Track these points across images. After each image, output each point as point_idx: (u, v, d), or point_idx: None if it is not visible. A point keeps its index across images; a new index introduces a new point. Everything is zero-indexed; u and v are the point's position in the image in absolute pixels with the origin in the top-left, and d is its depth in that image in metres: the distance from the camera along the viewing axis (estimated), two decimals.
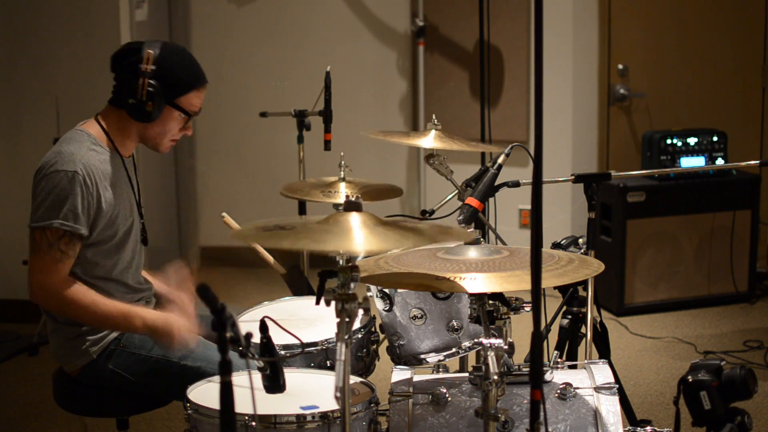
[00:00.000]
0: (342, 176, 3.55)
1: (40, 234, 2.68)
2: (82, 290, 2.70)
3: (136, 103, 2.75)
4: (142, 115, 2.77)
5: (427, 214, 3.34)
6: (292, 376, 2.51)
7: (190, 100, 2.83)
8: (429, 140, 3.27)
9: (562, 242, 3.14)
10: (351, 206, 2.18)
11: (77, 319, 2.77)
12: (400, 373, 2.61)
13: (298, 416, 2.31)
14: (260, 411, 2.19)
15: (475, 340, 2.76)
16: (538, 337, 1.93)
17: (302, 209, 4.11)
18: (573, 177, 3.10)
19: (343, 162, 3.54)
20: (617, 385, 2.50)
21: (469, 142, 3.39)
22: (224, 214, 3.50)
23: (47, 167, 2.71)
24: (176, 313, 2.75)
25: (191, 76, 2.84)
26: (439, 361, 2.82)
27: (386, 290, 2.83)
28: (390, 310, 2.84)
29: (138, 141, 2.89)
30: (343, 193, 3.46)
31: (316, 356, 2.80)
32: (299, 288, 3.60)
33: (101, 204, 2.74)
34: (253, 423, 2.25)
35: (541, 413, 1.98)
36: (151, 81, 2.73)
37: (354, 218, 2.15)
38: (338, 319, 2.07)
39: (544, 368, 2.47)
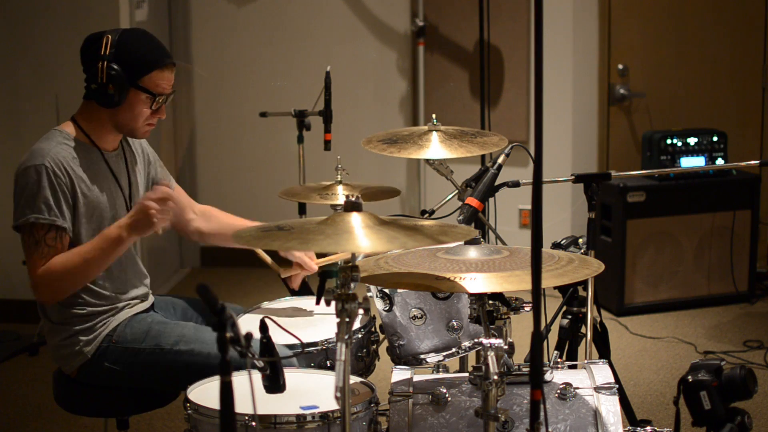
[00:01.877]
0: (339, 179, 3.55)
1: (26, 234, 2.71)
2: (63, 259, 2.69)
3: (98, 88, 2.75)
4: (106, 100, 2.76)
5: (427, 214, 3.34)
6: (292, 376, 2.51)
7: (154, 80, 2.80)
8: (432, 150, 3.23)
9: (562, 242, 3.14)
10: (351, 206, 2.18)
11: (83, 283, 2.76)
12: (400, 373, 2.61)
13: (298, 416, 2.31)
14: (260, 411, 2.19)
15: (475, 340, 2.76)
16: (538, 337, 1.93)
17: (302, 209, 4.11)
18: (573, 177, 3.10)
19: (339, 165, 3.54)
20: (617, 385, 2.50)
21: (468, 145, 3.38)
22: None
23: (20, 167, 2.75)
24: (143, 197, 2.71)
25: (152, 56, 2.81)
26: (439, 361, 2.82)
27: (386, 290, 2.83)
28: (390, 310, 2.84)
29: (115, 131, 2.87)
30: (341, 196, 3.46)
31: (316, 356, 2.80)
32: (297, 289, 3.59)
33: (76, 195, 2.75)
34: (253, 423, 2.25)
35: (541, 413, 1.98)
36: (112, 65, 2.73)
37: (354, 218, 2.15)
38: (338, 319, 2.07)
39: (544, 368, 2.47)
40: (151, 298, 3.04)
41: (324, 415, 2.31)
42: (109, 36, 2.76)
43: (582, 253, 3.01)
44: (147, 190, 3.05)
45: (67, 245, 2.73)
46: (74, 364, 2.84)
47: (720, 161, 5.31)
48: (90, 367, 2.84)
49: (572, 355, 3.22)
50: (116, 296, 2.89)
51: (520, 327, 2.84)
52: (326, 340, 2.81)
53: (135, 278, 2.96)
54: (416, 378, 2.58)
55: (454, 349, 2.80)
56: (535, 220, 1.91)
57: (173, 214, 2.82)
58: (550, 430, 2.36)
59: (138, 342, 2.84)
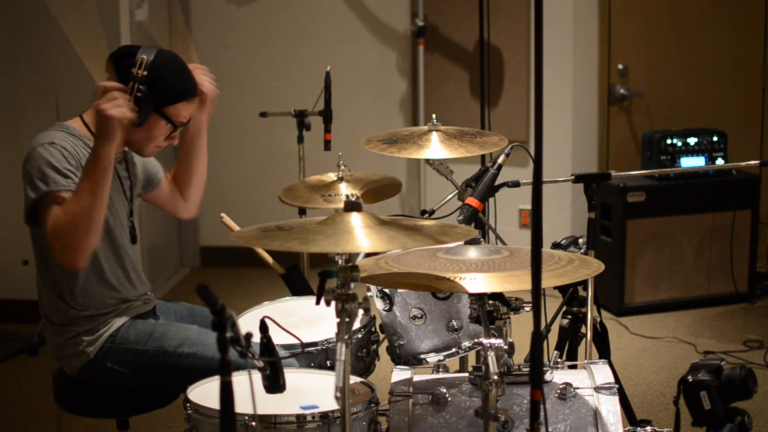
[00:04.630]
0: (340, 176, 3.55)
1: (41, 207, 2.64)
2: (61, 207, 2.62)
3: None
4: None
5: (427, 214, 3.34)
6: (292, 376, 2.51)
7: (179, 110, 2.80)
8: (431, 151, 3.24)
9: (562, 242, 3.14)
10: (351, 206, 2.18)
11: (94, 224, 2.62)
12: (400, 373, 2.61)
13: (298, 416, 2.31)
14: (260, 411, 2.19)
15: (475, 340, 2.76)
16: (538, 337, 1.93)
17: (302, 209, 4.11)
18: (573, 177, 3.10)
19: (341, 162, 3.54)
20: (617, 385, 2.50)
21: (468, 145, 3.38)
22: (223, 214, 3.51)
23: (27, 154, 2.71)
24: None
25: (182, 87, 2.80)
26: (439, 361, 2.82)
27: (386, 290, 2.83)
28: (390, 310, 2.84)
29: (123, 143, 2.85)
30: (343, 192, 3.47)
31: (316, 356, 2.80)
32: (298, 288, 3.60)
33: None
34: (253, 423, 2.25)
35: (541, 413, 1.98)
36: (141, 86, 2.70)
37: (354, 218, 2.15)
38: (338, 319, 2.07)
39: (544, 368, 2.47)
40: (153, 301, 3.04)
41: (324, 415, 2.31)
42: (144, 56, 2.71)
43: (582, 253, 3.01)
44: (145, 184, 3.05)
45: None
46: (76, 364, 2.84)
47: (720, 161, 5.31)
48: (92, 368, 2.84)
49: (572, 355, 3.22)
50: (119, 298, 2.88)
51: (520, 327, 2.84)
52: (326, 340, 2.81)
53: (137, 281, 2.96)
54: (416, 378, 2.58)
55: (454, 349, 2.80)
56: (535, 220, 1.91)
57: (163, 198, 2.92)
58: (550, 430, 2.36)
59: (141, 343, 2.83)
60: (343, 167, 3.58)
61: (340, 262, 2.11)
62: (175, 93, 2.77)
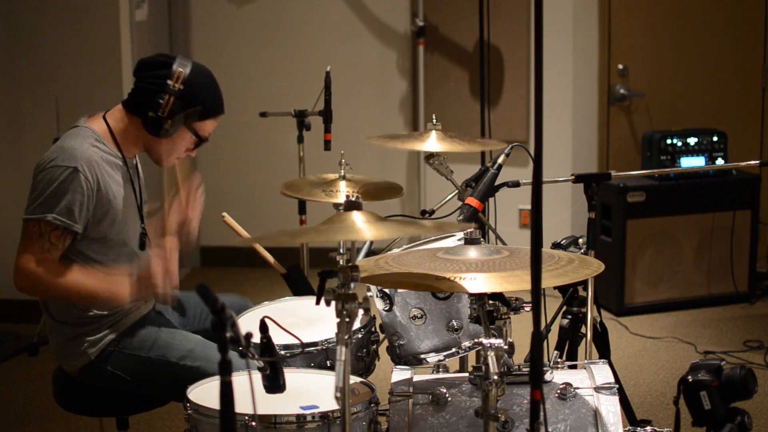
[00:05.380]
0: (342, 174, 3.55)
1: (33, 225, 2.68)
2: (64, 272, 2.68)
3: (155, 118, 2.75)
4: (158, 131, 2.77)
5: (427, 214, 3.34)
6: (292, 376, 2.51)
7: (206, 126, 2.85)
8: (430, 143, 3.27)
9: (562, 242, 3.14)
10: (351, 206, 2.18)
11: (66, 301, 2.77)
12: (400, 373, 2.61)
13: (298, 416, 2.31)
14: (260, 411, 2.19)
15: (475, 340, 2.76)
16: (538, 337, 1.93)
17: (302, 209, 4.11)
18: (573, 177, 3.10)
19: (343, 160, 3.54)
20: (617, 385, 2.50)
21: (469, 142, 3.39)
22: (224, 214, 3.50)
23: (47, 162, 2.70)
24: (154, 259, 2.71)
25: (214, 104, 2.85)
26: (439, 361, 2.82)
27: (386, 290, 2.83)
28: (390, 310, 2.84)
29: (142, 150, 2.88)
30: (343, 191, 3.46)
31: (316, 356, 2.80)
32: (299, 288, 3.60)
33: (108, 198, 2.73)
34: (253, 423, 2.25)
35: (541, 413, 1.98)
36: (177, 101, 2.74)
37: (356, 216, 2.15)
38: (338, 319, 2.07)
39: (544, 368, 2.47)
40: (153, 301, 3.03)
41: (324, 415, 2.31)
42: (181, 70, 2.75)
43: (582, 253, 3.01)
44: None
45: (66, 246, 2.72)
46: (76, 364, 2.84)
47: (720, 161, 5.31)
48: (92, 369, 2.84)
49: (572, 355, 3.22)
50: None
51: (520, 327, 2.83)
52: (326, 340, 2.81)
53: None
54: (416, 378, 2.58)
55: (454, 349, 2.80)
56: (535, 220, 1.91)
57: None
58: (550, 430, 2.36)
59: (144, 350, 2.83)
60: (345, 165, 3.57)
61: (340, 262, 2.11)
62: (207, 110, 2.82)
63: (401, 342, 2.84)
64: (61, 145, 2.74)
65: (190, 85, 2.75)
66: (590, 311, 3.10)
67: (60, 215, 2.66)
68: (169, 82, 2.73)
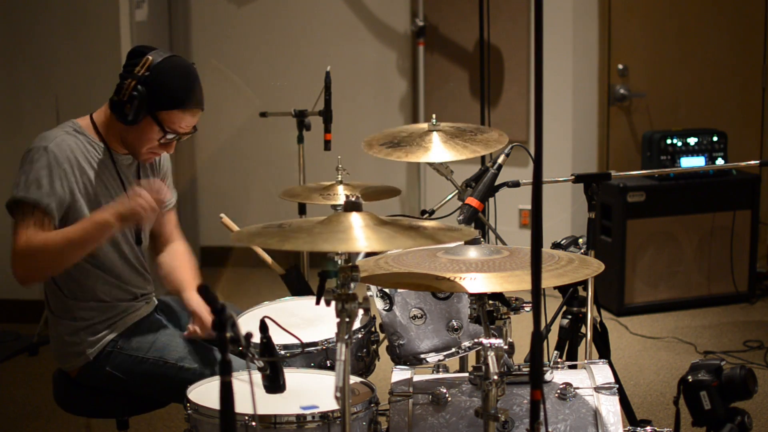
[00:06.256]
0: (339, 179, 3.55)
1: (16, 212, 2.68)
2: (43, 236, 2.64)
3: (118, 102, 2.74)
4: (120, 115, 2.74)
5: (427, 214, 3.34)
6: (292, 376, 2.51)
7: (172, 117, 2.76)
8: (433, 155, 3.24)
9: (562, 242, 3.14)
10: (351, 206, 2.18)
11: (61, 265, 2.71)
12: (400, 373, 2.61)
13: (298, 416, 2.31)
14: (260, 411, 2.19)
15: (475, 340, 2.76)
16: (538, 337, 1.93)
17: (302, 209, 4.11)
18: (573, 177, 3.10)
19: (340, 165, 3.54)
20: (617, 385, 2.50)
21: (471, 145, 3.38)
22: (222, 215, 3.50)
23: (25, 151, 2.74)
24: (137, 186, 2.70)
25: (181, 94, 2.76)
26: (439, 361, 2.82)
27: (386, 290, 2.83)
28: (390, 310, 2.84)
29: (120, 142, 2.85)
30: (341, 194, 3.47)
31: (316, 356, 2.79)
32: (298, 289, 3.60)
33: (76, 185, 2.73)
34: (253, 423, 2.25)
35: (541, 413, 1.98)
36: (138, 86, 2.71)
37: (354, 218, 2.15)
38: (338, 319, 2.07)
39: (544, 368, 2.47)
40: (154, 302, 3.03)
41: (324, 415, 2.31)
42: (151, 57, 2.72)
43: (582, 253, 3.01)
44: None
45: (52, 226, 2.68)
46: (75, 364, 2.84)
47: (720, 161, 5.31)
48: (91, 369, 2.84)
49: (572, 355, 3.22)
50: (120, 297, 2.88)
51: (520, 327, 2.83)
52: (326, 340, 2.81)
53: (141, 280, 2.96)
54: (416, 378, 2.58)
55: (454, 349, 2.80)
56: (535, 220, 1.91)
57: (156, 229, 2.89)
58: (550, 430, 2.36)
59: (143, 351, 2.83)
60: (342, 170, 3.57)
61: (339, 262, 2.11)
62: (172, 99, 2.75)
63: (401, 342, 2.84)
64: (41, 134, 2.78)
65: (156, 73, 2.71)
66: (590, 311, 3.10)
67: (27, 192, 2.66)
68: (137, 68, 2.72)
